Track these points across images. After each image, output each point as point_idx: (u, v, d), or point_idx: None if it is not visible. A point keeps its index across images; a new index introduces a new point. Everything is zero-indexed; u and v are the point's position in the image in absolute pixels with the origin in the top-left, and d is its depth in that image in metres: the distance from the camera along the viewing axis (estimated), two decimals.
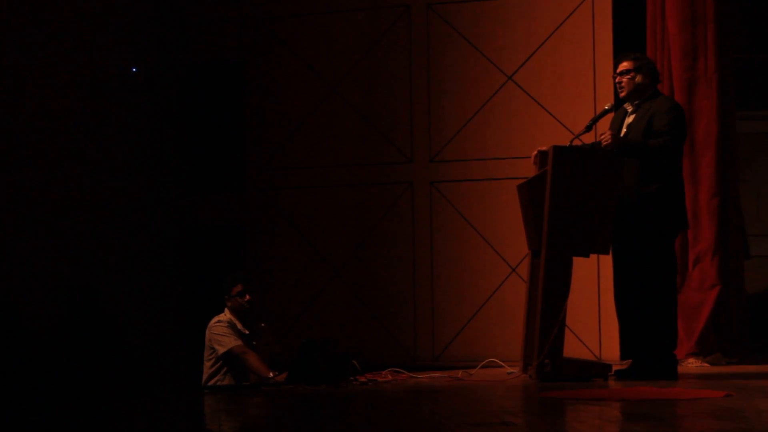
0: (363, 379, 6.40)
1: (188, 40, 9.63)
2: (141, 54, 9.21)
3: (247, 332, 6.75)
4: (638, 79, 6.56)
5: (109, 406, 5.59)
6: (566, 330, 6.34)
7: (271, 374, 6.45)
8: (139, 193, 9.08)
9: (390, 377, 6.68)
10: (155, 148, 9.32)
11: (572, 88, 8.67)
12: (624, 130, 6.58)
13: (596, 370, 6.38)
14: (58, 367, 6.51)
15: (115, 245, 8.74)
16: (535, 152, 6.54)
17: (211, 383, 6.65)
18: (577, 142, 6.62)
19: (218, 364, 6.68)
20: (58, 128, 8.28)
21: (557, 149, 6.32)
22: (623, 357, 7.65)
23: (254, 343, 6.76)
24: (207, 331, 6.73)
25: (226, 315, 6.78)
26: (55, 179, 8.20)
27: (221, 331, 6.67)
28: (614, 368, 6.46)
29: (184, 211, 9.54)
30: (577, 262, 6.33)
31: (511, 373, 6.66)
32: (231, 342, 6.62)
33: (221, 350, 6.62)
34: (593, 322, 8.47)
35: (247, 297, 6.76)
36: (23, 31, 8.01)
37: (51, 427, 4.67)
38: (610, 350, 8.22)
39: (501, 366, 7.00)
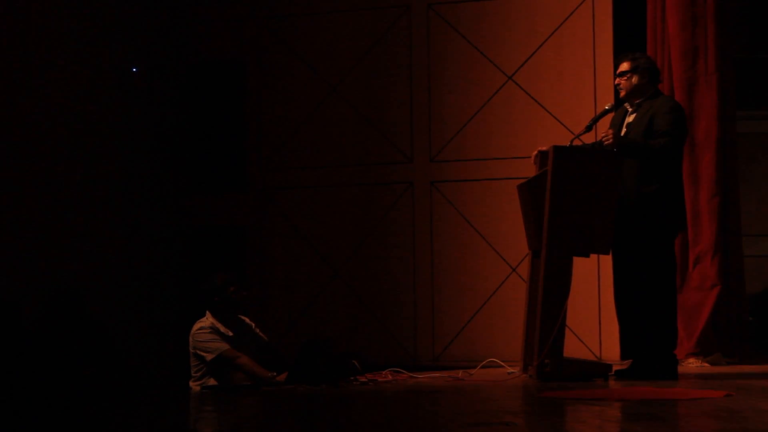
0: (363, 379, 6.39)
1: (188, 40, 9.63)
2: (141, 54, 9.22)
3: (231, 334, 6.53)
4: (635, 80, 6.55)
5: (108, 406, 5.59)
6: (566, 330, 6.34)
7: (269, 374, 6.40)
8: (139, 193, 9.08)
9: (390, 377, 6.67)
10: (155, 148, 9.32)
11: (572, 88, 8.67)
12: (624, 129, 6.57)
13: (596, 370, 6.38)
14: (60, 367, 6.50)
15: (115, 245, 8.74)
16: (535, 152, 6.54)
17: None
18: (577, 142, 6.62)
19: (203, 370, 6.47)
20: (58, 128, 8.28)
21: (557, 149, 6.32)
22: (623, 357, 7.65)
23: (242, 342, 6.57)
24: (190, 338, 6.52)
25: (207, 319, 6.54)
26: (55, 179, 8.20)
27: (206, 337, 6.46)
28: (614, 368, 6.45)
29: (184, 211, 9.54)
30: (577, 262, 6.33)
31: (511, 373, 6.66)
32: (219, 347, 6.41)
33: (210, 357, 6.41)
34: (593, 322, 8.47)
35: (244, 293, 6.70)
36: (23, 31, 8.01)
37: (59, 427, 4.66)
38: (610, 350, 8.23)
39: (501, 366, 6.99)
